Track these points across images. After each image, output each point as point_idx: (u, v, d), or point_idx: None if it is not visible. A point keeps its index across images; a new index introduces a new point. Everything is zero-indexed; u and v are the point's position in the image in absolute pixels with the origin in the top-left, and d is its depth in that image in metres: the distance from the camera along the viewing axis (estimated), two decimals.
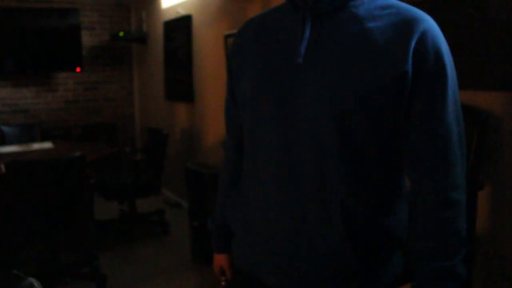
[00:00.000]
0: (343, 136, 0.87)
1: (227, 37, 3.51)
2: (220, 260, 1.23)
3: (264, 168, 0.97)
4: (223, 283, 1.25)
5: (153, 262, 3.35)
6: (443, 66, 0.85)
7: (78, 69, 5.10)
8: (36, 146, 3.80)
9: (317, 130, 0.88)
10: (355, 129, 0.86)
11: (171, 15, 4.55)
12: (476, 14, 1.73)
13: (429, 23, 0.86)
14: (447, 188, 0.86)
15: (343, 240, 0.90)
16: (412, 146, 0.88)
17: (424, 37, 0.84)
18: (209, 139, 4.05)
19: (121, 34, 5.18)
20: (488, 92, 1.73)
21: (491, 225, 1.76)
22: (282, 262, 0.96)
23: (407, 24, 0.85)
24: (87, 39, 5.31)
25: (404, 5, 0.89)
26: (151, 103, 5.31)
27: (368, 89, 0.84)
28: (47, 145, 3.84)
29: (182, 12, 4.30)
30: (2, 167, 2.70)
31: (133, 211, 3.98)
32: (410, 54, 0.83)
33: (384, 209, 0.94)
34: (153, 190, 3.91)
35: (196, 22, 4.13)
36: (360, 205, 0.90)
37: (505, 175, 1.71)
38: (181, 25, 4.34)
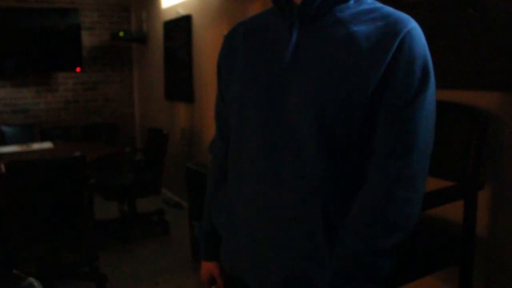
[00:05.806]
0: (323, 140, 0.87)
1: None
2: (209, 268, 1.19)
3: (247, 171, 0.97)
4: None
5: (153, 262, 3.35)
6: (426, 71, 0.85)
7: (78, 69, 5.10)
8: (36, 146, 3.81)
9: (298, 134, 0.89)
10: (335, 133, 0.87)
11: (171, 15, 4.55)
12: (476, 14, 1.73)
13: (412, 24, 0.87)
14: (391, 179, 0.85)
15: (326, 242, 0.89)
16: (376, 139, 0.87)
17: (406, 37, 0.84)
18: (209, 139, 4.04)
19: (121, 34, 5.19)
20: (488, 92, 1.73)
21: (491, 225, 1.76)
22: (264, 265, 0.95)
23: (390, 28, 0.85)
24: (87, 39, 5.31)
25: (388, 8, 0.90)
26: (151, 103, 5.31)
27: (349, 94, 0.85)
28: (47, 145, 3.84)
29: (182, 12, 4.30)
30: (2, 167, 2.70)
31: (133, 211, 3.97)
32: (391, 54, 0.84)
33: None
34: (153, 190, 3.91)
35: (196, 22, 4.13)
36: (342, 209, 0.89)
37: (505, 175, 1.70)
38: (181, 25, 4.34)
